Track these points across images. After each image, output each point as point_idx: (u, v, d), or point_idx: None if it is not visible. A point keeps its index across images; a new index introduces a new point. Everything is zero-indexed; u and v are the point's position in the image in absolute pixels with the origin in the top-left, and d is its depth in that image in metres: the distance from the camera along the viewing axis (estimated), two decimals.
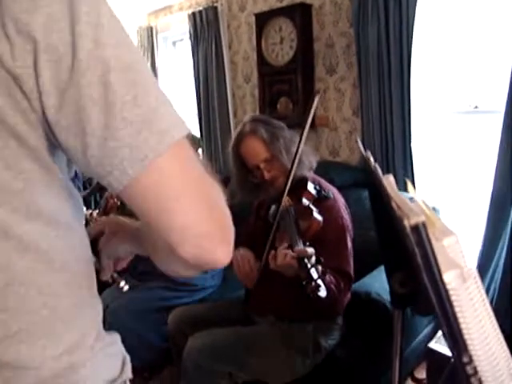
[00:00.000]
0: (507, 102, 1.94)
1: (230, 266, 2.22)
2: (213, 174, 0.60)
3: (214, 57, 3.30)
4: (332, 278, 1.49)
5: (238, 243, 1.86)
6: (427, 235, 0.52)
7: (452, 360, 1.98)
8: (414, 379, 2.20)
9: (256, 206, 1.95)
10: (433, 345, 2.08)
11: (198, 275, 2.41)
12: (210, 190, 0.58)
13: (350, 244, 1.65)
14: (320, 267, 1.30)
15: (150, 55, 4.00)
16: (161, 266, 0.70)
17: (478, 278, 0.58)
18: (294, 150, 1.67)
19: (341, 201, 1.71)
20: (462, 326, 0.53)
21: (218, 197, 0.59)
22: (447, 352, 2.01)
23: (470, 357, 0.56)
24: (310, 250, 1.33)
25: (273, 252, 1.43)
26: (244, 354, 1.65)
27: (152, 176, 0.52)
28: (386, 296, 1.76)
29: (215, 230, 0.56)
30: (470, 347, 0.55)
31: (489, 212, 2.04)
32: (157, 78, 4.01)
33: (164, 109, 0.53)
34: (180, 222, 0.54)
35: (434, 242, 0.57)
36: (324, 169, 1.81)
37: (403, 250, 0.80)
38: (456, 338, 0.53)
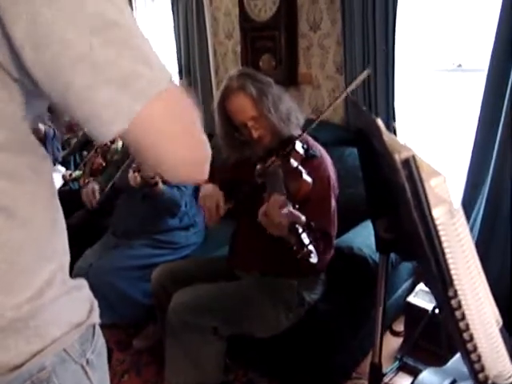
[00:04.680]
0: (491, 60, 1.93)
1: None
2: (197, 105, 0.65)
3: (195, 13, 3.19)
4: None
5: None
6: (417, 169, 0.52)
7: (429, 312, 2.05)
8: (393, 332, 2.27)
9: (233, 162, 1.90)
10: (411, 299, 2.14)
11: (181, 233, 2.39)
12: (194, 127, 0.64)
13: (334, 203, 1.64)
14: (311, 233, 1.26)
15: None
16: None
17: (464, 218, 0.59)
18: (283, 107, 1.65)
19: (327, 159, 1.69)
20: (450, 260, 0.54)
21: (200, 131, 0.65)
22: (425, 305, 2.08)
23: (455, 291, 0.57)
24: (303, 217, 1.30)
25: (268, 204, 1.37)
26: (229, 309, 1.67)
27: (136, 129, 0.55)
28: (367, 251, 1.79)
29: (196, 163, 0.66)
30: (456, 282, 0.56)
31: (469, 167, 2.06)
32: None
33: (143, 66, 0.54)
34: (170, 161, 0.61)
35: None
36: (306, 127, 1.80)
37: (389, 195, 0.81)
38: (443, 272, 0.54)
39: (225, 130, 1.73)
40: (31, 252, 0.61)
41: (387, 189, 0.78)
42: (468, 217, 2.11)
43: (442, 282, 0.54)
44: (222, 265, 1.90)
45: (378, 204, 0.86)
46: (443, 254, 0.54)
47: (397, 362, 2.09)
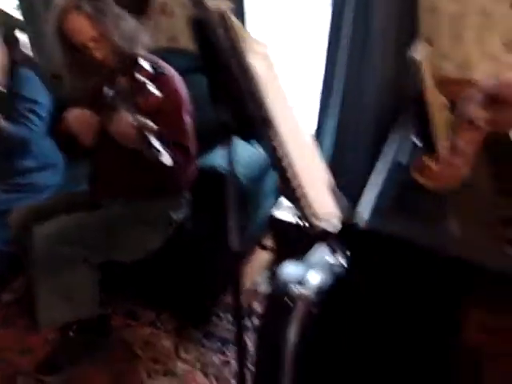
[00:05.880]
0: None
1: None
2: None
3: None
4: (170, 151, 1.52)
5: None
6: (230, 19, 0.56)
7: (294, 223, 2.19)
8: (261, 246, 2.41)
9: (91, 93, 1.84)
10: (275, 213, 2.28)
11: (39, 174, 2.23)
12: None
13: (188, 118, 1.67)
14: (159, 137, 1.31)
15: None
16: None
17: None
18: (125, 25, 1.61)
19: (177, 77, 1.70)
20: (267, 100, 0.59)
21: None
22: (289, 218, 2.23)
23: (276, 133, 0.63)
24: (151, 123, 1.32)
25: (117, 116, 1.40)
26: (96, 236, 1.65)
27: None
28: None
29: None
30: (275, 123, 0.61)
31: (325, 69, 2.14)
32: None
33: None
34: None
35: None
36: (160, 55, 1.78)
37: (226, 79, 0.85)
38: (261, 111, 0.59)
39: (66, 55, 1.63)
40: None
41: (223, 72, 0.81)
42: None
43: (263, 124, 0.59)
44: (85, 196, 1.85)
45: (217, 89, 0.90)
46: (262, 98, 0.58)
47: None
